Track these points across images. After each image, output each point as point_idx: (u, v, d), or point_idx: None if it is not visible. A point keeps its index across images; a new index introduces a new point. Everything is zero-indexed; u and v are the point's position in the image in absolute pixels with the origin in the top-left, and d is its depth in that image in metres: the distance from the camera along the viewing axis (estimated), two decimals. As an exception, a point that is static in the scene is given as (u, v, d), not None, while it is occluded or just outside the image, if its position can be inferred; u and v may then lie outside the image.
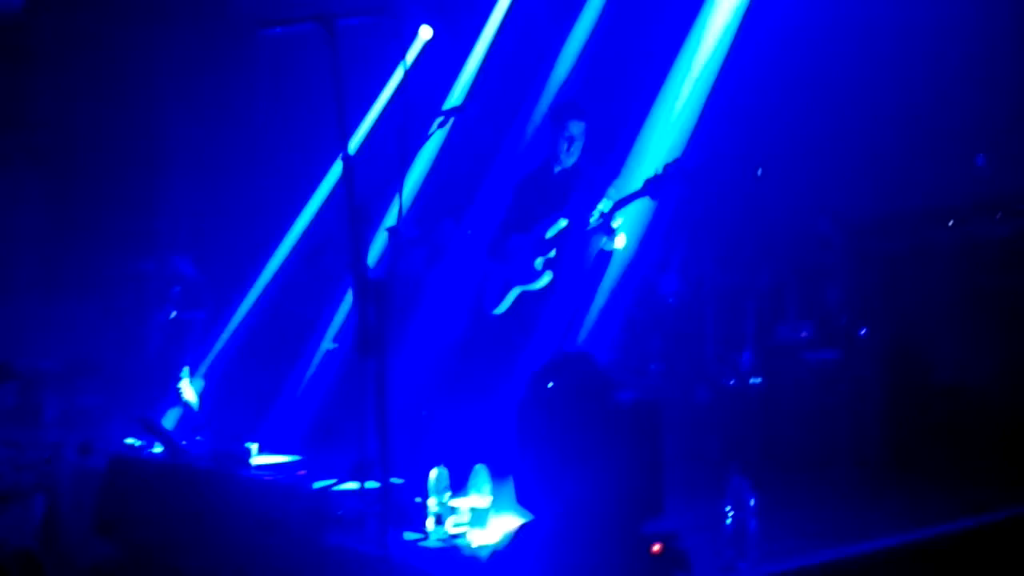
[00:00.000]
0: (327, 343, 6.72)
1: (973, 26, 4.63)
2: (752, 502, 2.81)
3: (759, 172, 5.35)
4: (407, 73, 6.52)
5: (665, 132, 5.40)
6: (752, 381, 4.83)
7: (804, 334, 4.77)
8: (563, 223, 4.20)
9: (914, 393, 4.33)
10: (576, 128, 4.35)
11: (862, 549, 2.97)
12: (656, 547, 2.65)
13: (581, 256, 4.26)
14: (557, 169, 4.42)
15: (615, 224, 4.09)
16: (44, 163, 6.98)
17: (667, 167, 3.97)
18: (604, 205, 4.08)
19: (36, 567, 3.71)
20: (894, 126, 4.82)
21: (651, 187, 4.00)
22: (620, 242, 4.19)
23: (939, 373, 4.37)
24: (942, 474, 4.02)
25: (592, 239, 4.19)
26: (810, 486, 4.11)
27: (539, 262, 4.24)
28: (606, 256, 4.30)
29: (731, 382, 4.92)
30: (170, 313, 6.55)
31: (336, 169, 7.29)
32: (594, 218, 4.08)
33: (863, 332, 4.55)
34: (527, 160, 5.60)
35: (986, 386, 4.22)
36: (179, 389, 6.22)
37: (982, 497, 3.47)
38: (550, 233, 4.23)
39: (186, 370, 6.28)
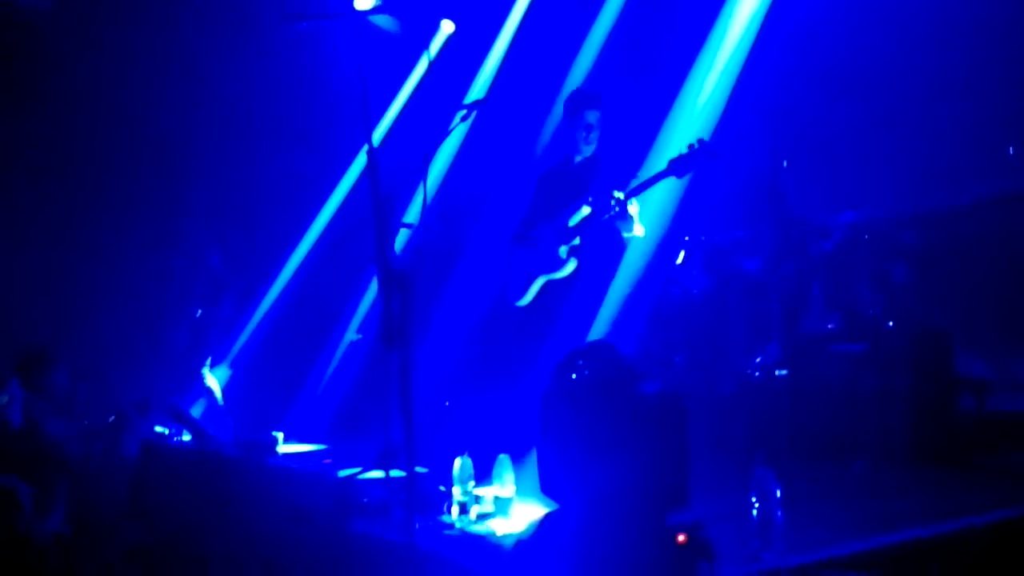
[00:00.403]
0: (351, 334, 6.76)
1: (1003, 15, 4.57)
2: (778, 493, 2.80)
3: (784, 163, 5.31)
4: (431, 66, 6.54)
5: (690, 121, 5.38)
6: (778, 373, 4.80)
7: (831, 326, 4.73)
8: (586, 210, 4.18)
9: (942, 385, 4.28)
10: (592, 117, 4.32)
11: (888, 541, 2.95)
12: (681, 537, 2.64)
13: (606, 242, 4.24)
14: (577, 159, 4.40)
15: (631, 209, 4.05)
16: (71, 160, 7.06)
17: (691, 146, 3.93)
18: (619, 192, 4.05)
19: (67, 552, 3.77)
20: (924, 115, 4.77)
21: (676, 167, 3.95)
22: (639, 231, 4.15)
23: (968, 365, 4.32)
24: (970, 466, 3.98)
25: (615, 226, 4.16)
26: (836, 477, 4.08)
27: (563, 250, 4.22)
28: (622, 245, 4.26)
29: (756, 374, 4.89)
30: (196, 311, 6.61)
31: (360, 161, 7.32)
32: (611, 204, 4.04)
33: (891, 325, 4.50)
34: (549, 152, 5.59)
35: (1016, 379, 4.17)
36: (203, 380, 6.30)
37: (1011, 490, 3.43)
38: (573, 221, 4.21)
39: (208, 362, 6.35)
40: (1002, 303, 4.29)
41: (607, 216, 4.06)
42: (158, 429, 5.48)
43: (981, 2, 4.59)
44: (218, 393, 6.32)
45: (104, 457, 4.44)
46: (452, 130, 4.60)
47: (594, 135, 4.33)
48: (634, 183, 4.09)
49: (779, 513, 2.79)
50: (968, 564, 2.99)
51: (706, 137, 3.97)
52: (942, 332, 4.33)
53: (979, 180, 4.59)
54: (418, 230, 4.98)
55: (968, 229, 4.52)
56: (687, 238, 5.52)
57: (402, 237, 5.44)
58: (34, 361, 4.17)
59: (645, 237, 4.27)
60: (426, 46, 6.99)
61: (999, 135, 4.59)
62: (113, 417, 4.41)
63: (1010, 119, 4.57)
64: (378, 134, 7.21)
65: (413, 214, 5.85)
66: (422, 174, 3.88)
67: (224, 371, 6.53)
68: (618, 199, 4.02)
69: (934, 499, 3.55)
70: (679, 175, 3.96)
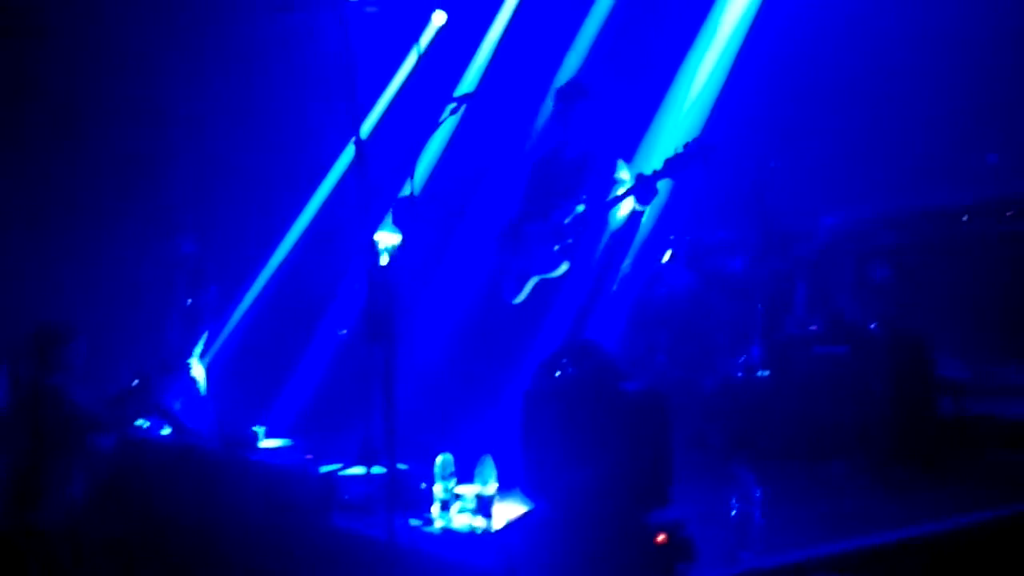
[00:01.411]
0: (335, 329, 6.74)
1: (987, 23, 4.59)
2: (757, 493, 2.81)
3: (772, 164, 5.31)
4: (421, 58, 6.50)
5: (681, 117, 5.38)
6: (760, 374, 4.81)
7: (813, 328, 4.75)
8: (580, 209, 4.16)
9: (921, 388, 4.31)
10: (582, 109, 4.28)
11: (866, 542, 2.97)
12: (660, 537, 2.65)
13: (599, 239, 4.22)
14: (568, 154, 4.36)
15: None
16: (51, 142, 7.02)
17: (687, 146, 3.90)
18: (646, 168, 4.00)
19: (48, 546, 3.76)
20: (908, 122, 4.79)
21: (672, 167, 3.92)
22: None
23: (947, 368, 4.35)
24: (948, 469, 4.01)
25: (609, 218, 4.13)
26: (816, 479, 4.10)
27: (557, 249, 4.19)
28: (636, 218, 4.20)
29: (739, 374, 4.90)
30: (185, 300, 6.57)
31: (348, 154, 7.28)
32: (624, 186, 4.00)
33: (872, 327, 4.52)
34: (540, 147, 5.58)
35: (993, 382, 4.20)
36: (190, 371, 6.27)
37: (988, 493, 3.46)
38: (567, 219, 4.17)
39: (197, 351, 6.33)
40: (979, 306, 4.32)
41: (625, 191, 3.99)
42: (138, 423, 5.45)
43: (963, 12, 4.61)
44: (203, 384, 6.29)
45: (136, 419, 4.53)
46: (442, 123, 4.56)
47: (584, 128, 4.29)
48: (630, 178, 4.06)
49: (758, 513, 2.81)
50: (945, 566, 3.02)
51: (694, 135, 3.95)
52: (921, 335, 4.35)
53: (960, 185, 4.61)
54: (406, 223, 4.96)
55: (948, 233, 4.55)
56: (672, 237, 5.53)
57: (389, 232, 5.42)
58: (46, 339, 4.23)
59: (630, 235, 4.25)
60: (417, 37, 6.95)
61: (980, 141, 4.62)
62: (137, 381, 4.45)
63: (991, 125, 4.60)
64: (366, 127, 7.18)
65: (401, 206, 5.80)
66: (410, 168, 3.85)
67: (205, 364, 6.50)
68: (645, 174, 3.94)
69: (912, 501, 3.57)
70: (675, 177, 3.94)
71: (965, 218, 4.53)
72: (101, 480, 4.36)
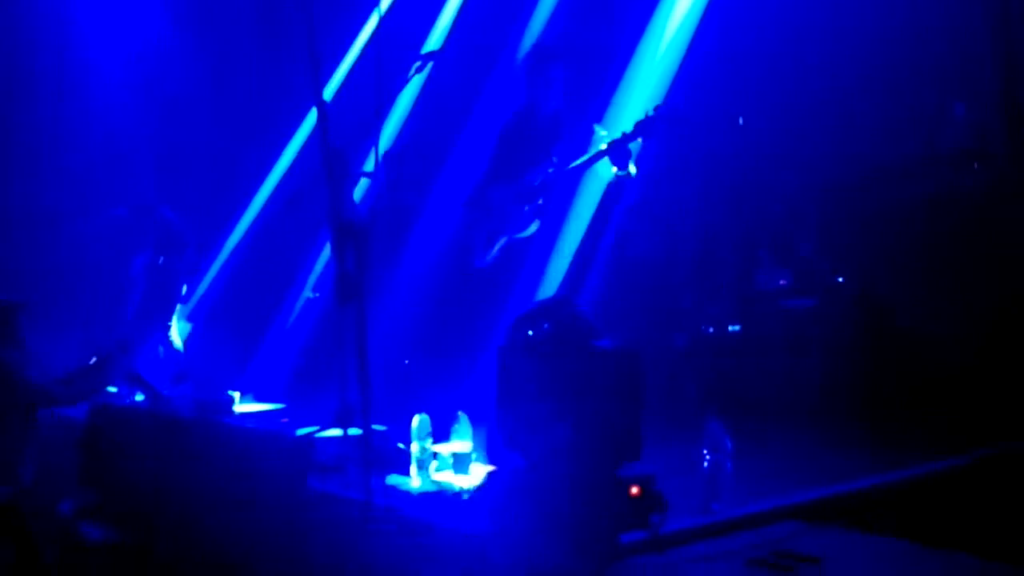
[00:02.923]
0: (307, 292, 6.70)
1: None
2: (728, 446, 2.87)
3: (740, 121, 5.32)
4: (382, 18, 6.38)
5: (649, 76, 5.35)
6: (730, 328, 4.88)
7: (782, 282, 4.81)
8: (550, 171, 4.16)
9: (885, 341, 4.39)
10: (554, 71, 4.27)
11: (834, 491, 3.05)
12: (635, 490, 2.69)
13: (569, 200, 4.23)
14: (539, 116, 4.34)
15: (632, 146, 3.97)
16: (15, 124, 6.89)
17: (658, 109, 3.91)
18: (616, 132, 4.01)
19: (19, 518, 3.73)
20: (871, 77, 4.81)
21: (641, 129, 3.93)
22: (633, 168, 4.11)
23: (911, 322, 4.44)
24: (911, 419, 4.11)
25: (580, 179, 4.13)
26: (785, 431, 4.19)
27: (528, 209, 4.19)
28: (622, 183, 4.21)
29: (710, 330, 4.96)
30: (157, 259, 6.46)
31: (312, 117, 7.18)
32: (599, 145, 4.01)
33: (840, 280, 4.60)
34: (507, 105, 5.53)
35: (956, 336, 4.29)
36: (168, 332, 6.22)
37: (949, 440, 3.56)
38: (538, 181, 4.17)
39: (176, 313, 6.27)
40: (937, 260, 4.39)
41: (597, 152, 4.00)
42: (110, 389, 5.40)
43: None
44: (180, 346, 6.25)
45: (90, 397, 4.48)
46: (408, 82, 4.50)
47: (556, 90, 4.28)
48: (602, 139, 4.06)
49: (729, 465, 2.86)
50: (911, 512, 3.11)
51: (664, 99, 3.97)
52: (887, 290, 4.42)
53: (923, 140, 4.67)
54: (372, 185, 4.92)
55: (911, 188, 4.61)
56: (643, 197, 5.54)
57: (358, 191, 5.37)
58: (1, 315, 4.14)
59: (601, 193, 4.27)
60: (379, -1, 6.82)
61: (943, 97, 4.66)
62: (95, 358, 4.38)
63: (955, 80, 4.64)
64: (331, 87, 7.06)
65: (367, 168, 5.75)
66: (376, 128, 3.81)
67: (184, 324, 6.45)
68: (616, 138, 3.94)
69: (877, 450, 3.66)
70: (646, 138, 3.95)
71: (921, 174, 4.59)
72: (72, 448, 4.32)
